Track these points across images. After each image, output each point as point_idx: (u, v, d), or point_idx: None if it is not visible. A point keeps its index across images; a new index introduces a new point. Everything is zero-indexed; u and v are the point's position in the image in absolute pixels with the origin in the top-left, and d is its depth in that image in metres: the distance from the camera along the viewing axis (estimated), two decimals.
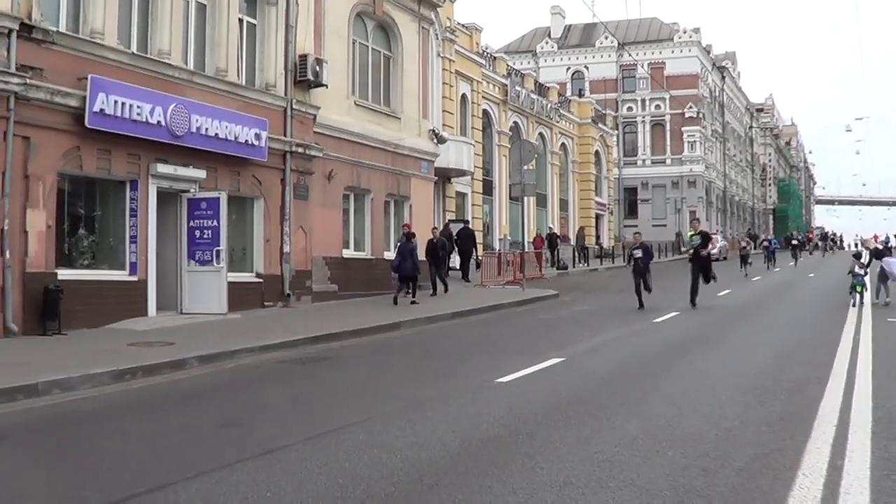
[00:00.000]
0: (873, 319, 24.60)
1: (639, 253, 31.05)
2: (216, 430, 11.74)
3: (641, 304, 29.48)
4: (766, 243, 66.87)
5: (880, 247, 33.56)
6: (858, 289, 30.34)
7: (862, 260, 32.58)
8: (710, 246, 31.36)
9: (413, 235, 32.29)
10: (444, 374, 16.25)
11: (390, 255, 34.25)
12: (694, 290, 30.10)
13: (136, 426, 12.11)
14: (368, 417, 11.97)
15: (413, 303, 30.57)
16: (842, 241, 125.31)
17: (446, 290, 35.00)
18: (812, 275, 53.11)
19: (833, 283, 39.46)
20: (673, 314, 27.53)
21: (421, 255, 33.32)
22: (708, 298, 31.05)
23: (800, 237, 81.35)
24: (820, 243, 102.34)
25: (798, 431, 10.71)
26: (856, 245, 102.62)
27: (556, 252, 58.30)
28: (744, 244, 59.36)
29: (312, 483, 8.76)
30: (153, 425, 12.17)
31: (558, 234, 62.93)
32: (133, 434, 11.58)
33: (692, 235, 31.87)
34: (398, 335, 23.52)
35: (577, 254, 67.14)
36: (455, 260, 42.97)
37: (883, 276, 31.04)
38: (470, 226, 50.39)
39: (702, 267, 30.45)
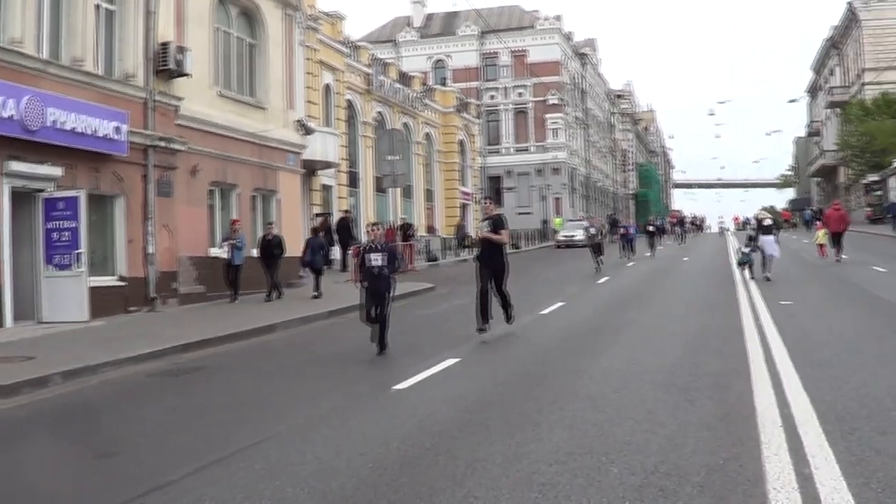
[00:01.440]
0: (766, 303, 23.99)
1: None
2: (90, 464, 10.36)
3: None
4: (622, 230, 59.73)
5: (768, 222, 33.15)
6: (744, 266, 33.18)
7: (749, 235, 35.06)
8: (504, 235, 20.88)
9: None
10: (335, 383, 15.00)
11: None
12: (483, 306, 20.29)
13: None
14: (262, 439, 10.70)
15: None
16: (703, 223, 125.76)
17: (280, 294, 31.51)
18: (686, 258, 52.86)
19: (710, 266, 39.32)
20: (559, 304, 26.72)
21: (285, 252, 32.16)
22: (587, 286, 30.32)
23: (658, 222, 71.96)
24: (677, 229, 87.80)
25: (745, 435, 9.80)
26: (719, 226, 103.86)
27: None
28: (593, 231, 46.02)
29: None
30: (13, 460, 10.76)
31: (412, 223, 61.43)
32: None
33: (483, 220, 22.01)
34: (275, 338, 22.31)
35: (459, 245, 66.31)
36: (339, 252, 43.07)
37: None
38: (350, 216, 50.26)
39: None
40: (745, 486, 8.00)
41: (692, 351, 16.47)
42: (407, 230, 52.93)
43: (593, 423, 10.70)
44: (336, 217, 48.60)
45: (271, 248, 31.61)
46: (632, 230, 59.98)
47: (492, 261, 20.70)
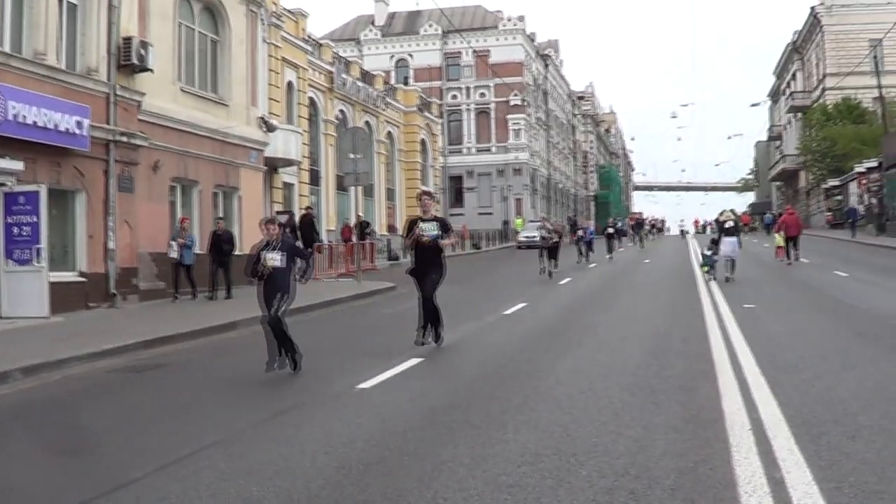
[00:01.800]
0: (730, 305, 24.04)
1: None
2: (52, 461, 10.16)
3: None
4: (580, 233, 53.99)
5: (730, 225, 33.89)
6: (706, 268, 33.59)
7: (712, 238, 36.04)
8: (451, 239, 18.49)
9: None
10: (298, 381, 14.85)
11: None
12: (430, 318, 18.09)
13: None
14: (225, 437, 10.56)
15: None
16: (663, 225, 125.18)
17: (228, 293, 30.53)
18: (647, 260, 52.88)
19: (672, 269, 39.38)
20: (521, 305, 26.56)
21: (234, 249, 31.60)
22: (549, 287, 30.28)
23: (618, 224, 69.37)
24: (632, 232, 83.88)
25: (714, 438, 9.71)
26: (680, 228, 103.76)
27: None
28: (546, 233, 41.98)
29: None
30: None
31: (368, 221, 61.02)
32: None
33: (417, 220, 18.43)
34: (236, 335, 22.14)
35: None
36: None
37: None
38: (312, 212, 50.68)
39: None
40: (716, 489, 7.90)
41: (657, 353, 16.38)
42: (364, 228, 51.34)
43: (560, 425, 10.60)
44: (298, 215, 48.32)
45: (221, 243, 30.99)
46: (590, 232, 55.20)
47: (434, 263, 18.06)
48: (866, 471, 8.25)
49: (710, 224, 77.91)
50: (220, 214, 34.65)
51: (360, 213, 55.42)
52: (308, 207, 52.09)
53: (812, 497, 7.55)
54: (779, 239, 45.23)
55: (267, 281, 15.75)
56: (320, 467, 9.07)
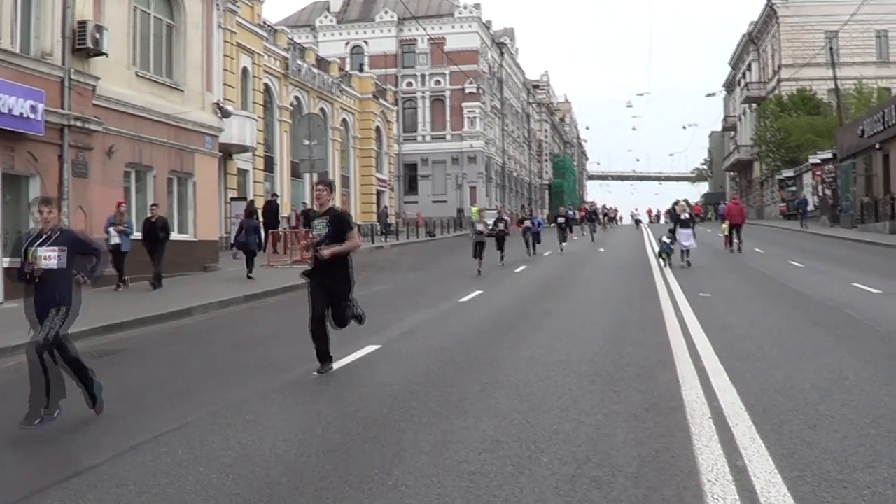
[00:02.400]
0: (686, 294, 24.08)
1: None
2: (8, 448, 10.05)
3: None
4: (527, 223, 49.47)
5: (685, 216, 35.73)
6: (664, 256, 34.31)
7: (669, 227, 37.18)
8: (344, 245, 13.78)
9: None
10: (255, 367, 14.74)
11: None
12: (320, 339, 13.80)
13: None
14: (183, 424, 10.47)
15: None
16: (616, 214, 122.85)
17: (159, 282, 28.95)
18: (602, 249, 52.89)
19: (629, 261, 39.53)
20: (477, 293, 26.61)
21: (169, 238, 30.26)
22: (504, 275, 30.29)
23: (570, 213, 66.49)
24: (586, 224, 74.38)
25: (674, 426, 9.70)
26: (634, 218, 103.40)
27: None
28: (480, 228, 37.13)
29: None
30: None
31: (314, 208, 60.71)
32: None
33: (312, 214, 15.77)
34: (192, 322, 22.04)
35: (382, 231, 70.42)
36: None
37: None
38: (277, 199, 51.02)
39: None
40: (678, 477, 7.88)
41: (614, 341, 16.39)
42: (310, 216, 50.81)
43: (519, 412, 10.58)
44: (264, 200, 48.83)
45: (156, 230, 29.35)
46: (537, 222, 51.25)
47: (331, 276, 13.71)
48: (828, 460, 8.27)
49: (665, 214, 77.77)
50: (185, 202, 34.55)
51: (306, 201, 55.33)
52: (274, 194, 52.40)
53: (775, 486, 7.54)
54: (725, 228, 46.74)
55: (37, 288, 11.53)
56: (280, 454, 9.01)
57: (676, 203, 46.27)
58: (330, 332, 13.90)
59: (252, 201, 45.78)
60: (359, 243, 14.53)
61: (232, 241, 37.35)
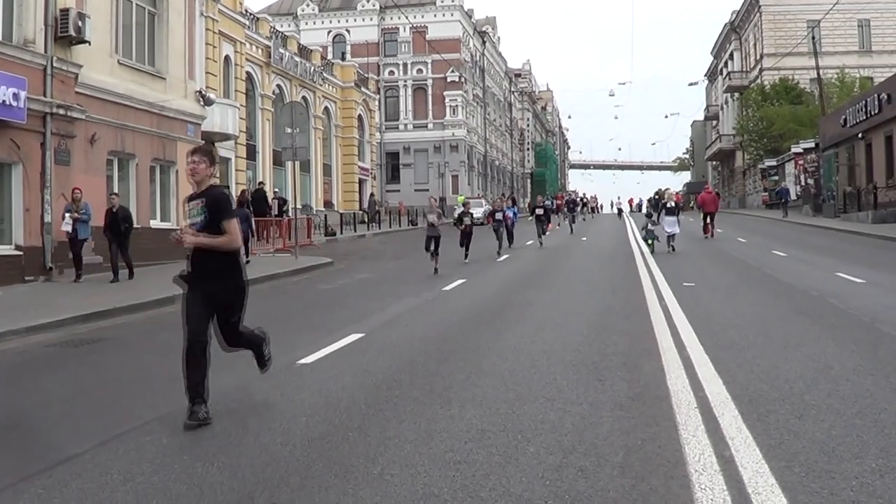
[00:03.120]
0: (669, 284, 24.01)
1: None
2: None
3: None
4: (498, 216, 42.10)
5: (671, 205, 37.85)
6: (650, 241, 36.67)
7: (653, 217, 39.25)
8: (216, 239, 10.39)
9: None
10: (238, 356, 14.43)
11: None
12: (194, 369, 9.98)
13: None
14: (167, 412, 10.38)
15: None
16: (595, 203, 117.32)
17: (131, 274, 28.20)
18: (585, 238, 52.80)
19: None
20: (460, 281, 26.52)
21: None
22: (487, 264, 30.30)
23: (546, 203, 58.38)
24: (563, 213, 71.44)
25: (660, 416, 9.65)
26: (616, 207, 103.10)
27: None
28: (432, 219, 31.41)
29: None
30: None
31: (284, 197, 59.65)
32: None
33: (189, 200, 10.94)
34: (175, 310, 21.75)
35: (370, 219, 71.11)
36: None
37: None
38: (265, 187, 51.73)
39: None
40: (665, 467, 7.85)
41: (599, 331, 16.30)
42: (282, 206, 50.82)
43: (505, 401, 10.54)
44: (251, 189, 50.00)
45: (118, 221, 28.03)
46: (510, 213, 44.32)
47: (212, 279, 10.31)
48: (816, 450, 8.24)
49: (647, 203, 77.60)
50: (167, 190, 34.51)
51: (276, 189, 55.44)
52: (261, 182, 53.22)
53: (763, 476, 7.51)
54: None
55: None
56: (264, 443, 8.95)
57: (665, 191, 48.60)
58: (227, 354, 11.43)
59: (244, 191, 46.89)
60: (237, 241, 10.62)
61: None
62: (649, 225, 37.95)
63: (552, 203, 74.42)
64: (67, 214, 27.36)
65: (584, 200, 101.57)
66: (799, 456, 8.06)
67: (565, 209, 69.73)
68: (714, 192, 55.09)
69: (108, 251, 28.46)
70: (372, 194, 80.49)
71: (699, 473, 7.61)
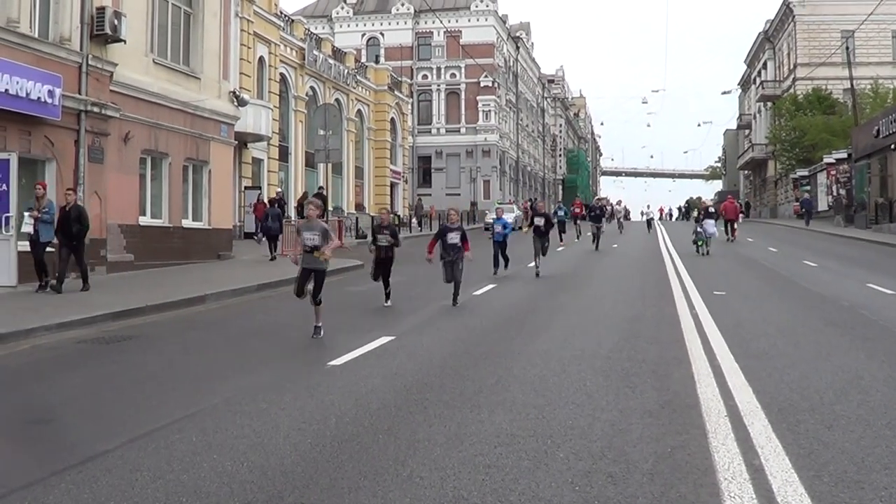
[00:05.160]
0: (700, 292, 23.95)
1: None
2: (22, 429, 10.10)
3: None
4: (495, 226, 32.20)
5: (711, 210, 45.66)
6: (700, 242, 41.65)
7: (700, 220, 43.66)
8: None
9: (278, 201, 38.04)
10: (269, 356, 14.74)
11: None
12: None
13: None
14: (196, 411, 10.46)
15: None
16: (623, 211, 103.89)
17: (85, 283, 24.51)
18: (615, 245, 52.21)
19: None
20: (490, 287, 26.66)
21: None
22: (516, 268, 30.38)
23: (559, 212, 55.09)
24: (579, 223, 62.40)
25: (690, 423, 9.66)
26: (646, 217, 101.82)
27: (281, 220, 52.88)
28: (383, 241, 22.84)
29: None
30: None
31: (284, 199, 58.02)
32: None
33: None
34: (205, 309, 22.01)
35: (418, 223, 73.91)
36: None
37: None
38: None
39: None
40: (695, 475, 7.83)
41: (629, 338, 16.32)
42: (280, 205, 45.22)
43: (535, 406, 10.54)
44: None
45: (69, 221, 24.15)
46: (503, 225, 32.18)
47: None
48: (845, 460, 8.22)
49: (680, 209, 78.61)
50: (199, 190, 34.65)
51: (280, 189, 55.32)
52: (279, 192, 52.94)
53: (792, 485, 7.49)
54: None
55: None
56: (294, 443, 8.98)
57: (701, 200, 60.50)
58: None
59: (280, 192, 49.43)
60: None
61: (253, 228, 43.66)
62: (698, 228, 42.83)
63: (566, 212, 61.95)
64: (27, 214, 24.35)
65: (610, 207, 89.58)
66: (828, 466, 8.04)
67: (588, 217, 55.64)
68: (735, 202, 61.31)
69: (58, 256, 24.44)
70: (419, 198, 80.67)
71: (728, 482, 7.60)
